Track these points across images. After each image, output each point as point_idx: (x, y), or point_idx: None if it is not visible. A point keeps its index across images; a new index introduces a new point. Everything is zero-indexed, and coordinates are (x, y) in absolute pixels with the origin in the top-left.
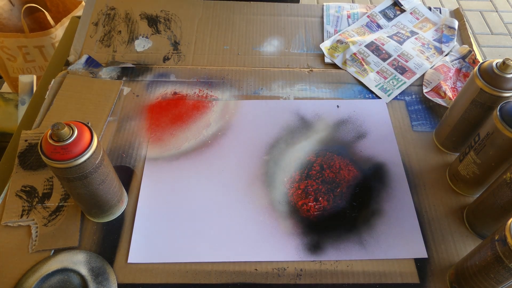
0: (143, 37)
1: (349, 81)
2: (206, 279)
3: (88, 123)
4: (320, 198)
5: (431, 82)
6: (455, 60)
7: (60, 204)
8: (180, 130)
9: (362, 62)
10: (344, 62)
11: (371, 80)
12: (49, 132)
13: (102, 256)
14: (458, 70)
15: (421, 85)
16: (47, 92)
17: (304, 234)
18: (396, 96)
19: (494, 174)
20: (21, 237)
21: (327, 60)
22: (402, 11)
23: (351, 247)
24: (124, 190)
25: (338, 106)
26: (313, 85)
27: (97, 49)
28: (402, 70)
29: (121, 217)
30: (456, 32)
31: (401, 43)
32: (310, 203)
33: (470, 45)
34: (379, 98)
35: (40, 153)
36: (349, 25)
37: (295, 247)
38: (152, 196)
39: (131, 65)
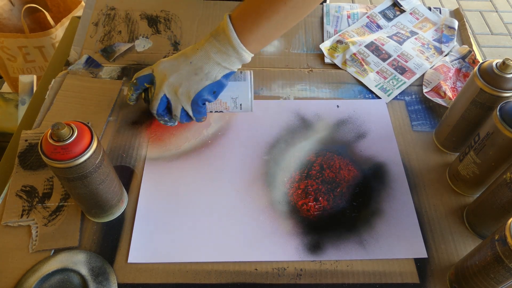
0: (143, 37)
1: (349, 81)
2: (206, 279)
3: (88, 123)
4: (320, 198)
5: (431, 82)
6: (455, 60)
7: (60, 204)
8: (180, 130)
9: (362, 62)
10: (344, 62)
11: (371, 80)
12: (49, 132)
13: (102, 256)
14: (458, 70)
15: (421, 85)
16: (47, 92)
17: (304, 234)
18: (396, 96)
19: (494, 174)
20: (21, 237)
21: (327, 60)
22: (402, 11)
23: (351, 247)
24: (124, 190)
25: (338, 106)
26: (313, 85)
27: (97, 49)
28: (402, 70)
29: (121, 217)
30: (456, 32)
31: (401, 43)
32: (310, 203)
33: (470, 45)
34: (379, 98)
35: (40, 153)
36: (349, 25)
37: (295, 247)
38: (152, 196)
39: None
